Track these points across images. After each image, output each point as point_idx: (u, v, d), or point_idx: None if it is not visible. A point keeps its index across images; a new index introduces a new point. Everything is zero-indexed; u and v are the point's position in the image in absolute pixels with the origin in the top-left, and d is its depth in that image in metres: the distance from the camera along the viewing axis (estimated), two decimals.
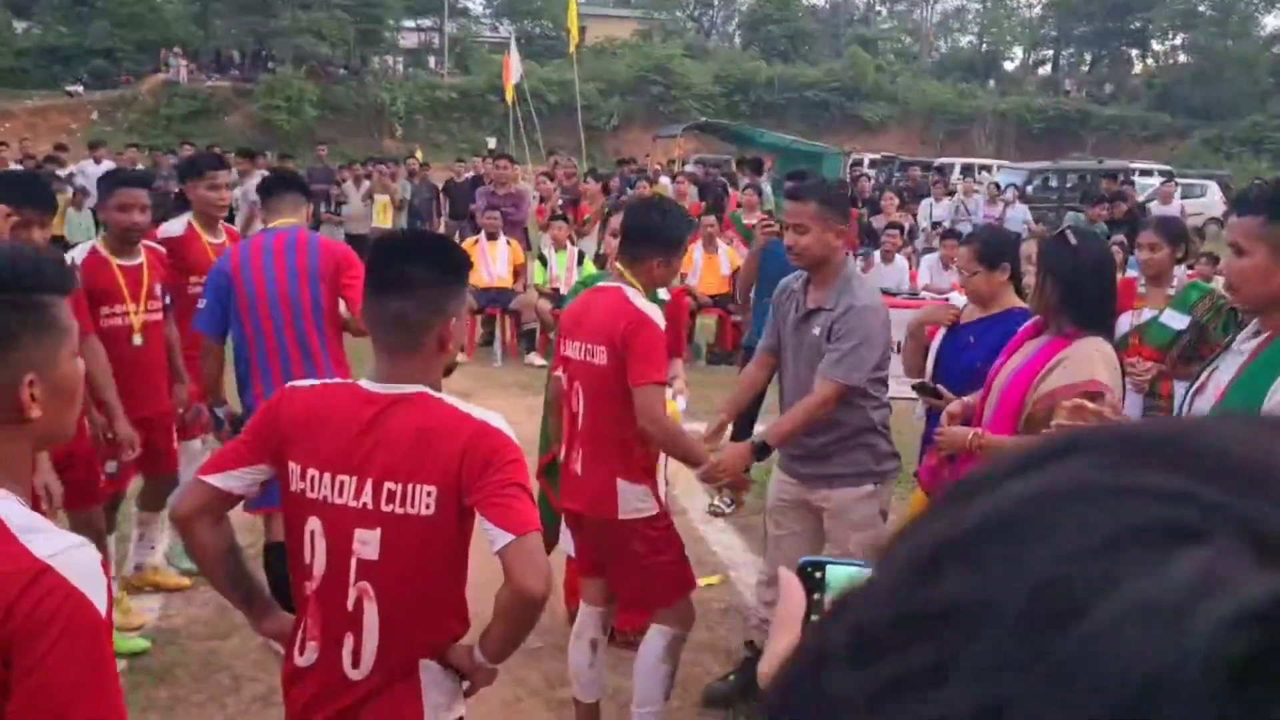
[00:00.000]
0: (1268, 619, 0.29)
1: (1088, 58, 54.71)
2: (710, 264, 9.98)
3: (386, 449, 2.01)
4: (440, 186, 15.04)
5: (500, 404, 8.56)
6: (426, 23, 47.24)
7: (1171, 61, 50.81)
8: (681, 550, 3.57)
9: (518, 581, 1.95)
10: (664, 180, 15.45)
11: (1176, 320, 4.60)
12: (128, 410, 4.05)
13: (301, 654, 2.11)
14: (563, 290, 10.10)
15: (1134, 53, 54.20)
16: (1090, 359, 2.97)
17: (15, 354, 1.41)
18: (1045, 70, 56.69)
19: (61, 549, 1.37)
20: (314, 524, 2.06)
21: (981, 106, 44.67)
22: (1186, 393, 2.71)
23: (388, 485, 2.00)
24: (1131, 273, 9.43)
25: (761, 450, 3.64)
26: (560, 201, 11.65)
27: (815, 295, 3.64)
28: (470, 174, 15.08)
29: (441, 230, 15.00)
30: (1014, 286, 4.07)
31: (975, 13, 59.75)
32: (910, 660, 0.31)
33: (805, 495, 3.79)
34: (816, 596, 0.75)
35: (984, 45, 56.57)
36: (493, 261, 9.86)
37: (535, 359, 9.69)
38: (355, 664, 2.06)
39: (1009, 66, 57.34)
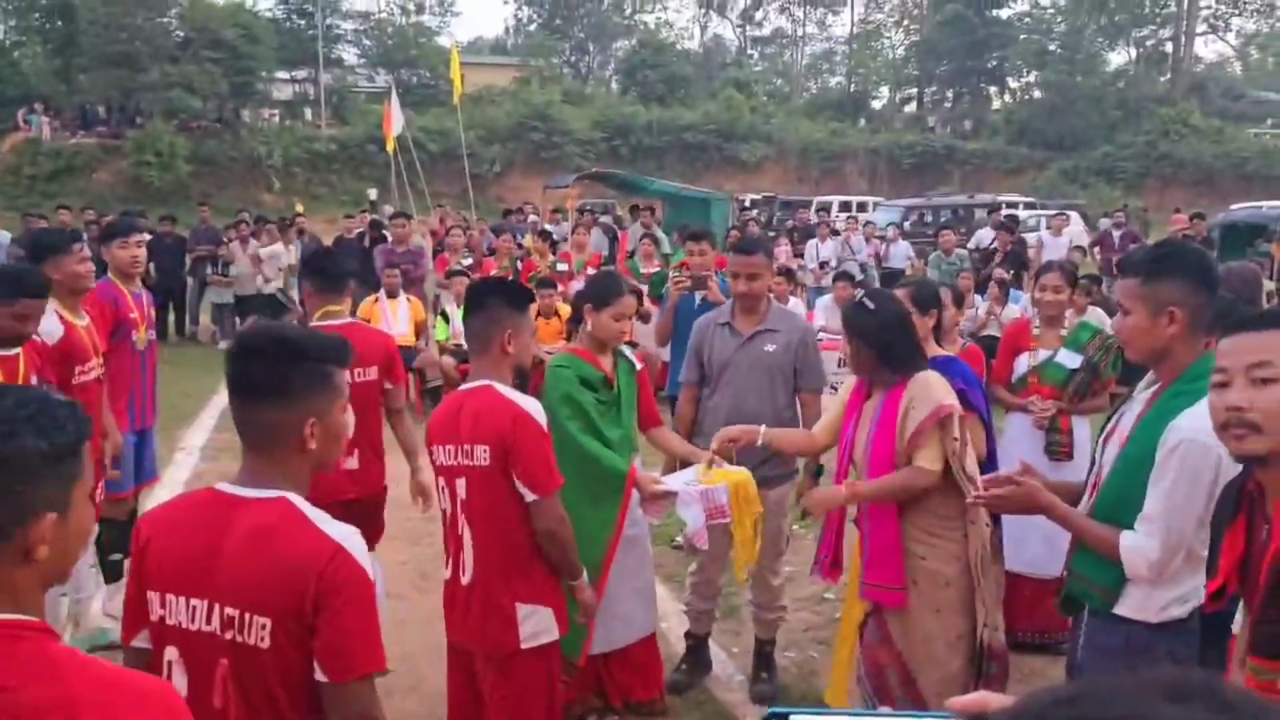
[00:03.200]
0: None
1: (950, 95, 57.11)
2: None
3: (464, 423, 3.02)
4: (330, 243, 14.81)
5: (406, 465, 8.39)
6: (301, 74, 46.59)
7: (1027, 97, 53.41)
8: None
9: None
10: (564, 227, 15.47)
11: (1071, 359, 4.88)
12: None
13: (447, 569, 3.18)
14: (466, 344, 10.08)
15: (992, 89, 56.83)
16: (927, 389, 3.36)
17: (304, 403, 1.98)
18: (911, 108, 58.97)
19: (348, 534, 1.92)
20: (441, 482, 3.13)
21: (853, 144, 46.20)
22: (1099, 438, 2.90)
23: (464, 446, 3.01)
24: (1014, 306, 9.93)
25: (820, 471, 4.39)
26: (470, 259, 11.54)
27: (750, 320, 4.30)
28: (360, 229, 14.89)
29: None
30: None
31: (842, 54, 61.94)
32: None
33: None
34: None
35: (852, 85, 58.55)
36: (394, 319, 9.78)
37: None
38: (463, 572, 3.07)
39: (877, 105, 59.47)
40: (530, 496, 2.97)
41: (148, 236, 5.57)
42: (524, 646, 3.04)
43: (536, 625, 3.05)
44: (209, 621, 1.89)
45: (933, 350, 4.15)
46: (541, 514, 3.00)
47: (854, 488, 3.39)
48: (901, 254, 16.16)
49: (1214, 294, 2.65)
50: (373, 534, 4.60)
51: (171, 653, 1.93)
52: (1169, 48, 52.87)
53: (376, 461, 4.52)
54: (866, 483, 3.39)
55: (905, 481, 3.35)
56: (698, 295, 5.83)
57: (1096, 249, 17.37)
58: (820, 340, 9.20)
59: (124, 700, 1.40)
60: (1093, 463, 2.89)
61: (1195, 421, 2.51)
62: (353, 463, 4.38)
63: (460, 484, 3.02)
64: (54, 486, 1.45)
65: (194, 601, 1.90)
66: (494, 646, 3.06)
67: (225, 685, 1.89)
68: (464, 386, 3.17)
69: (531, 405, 3.01)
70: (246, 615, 1.87)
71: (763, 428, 3.90)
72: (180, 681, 1.92)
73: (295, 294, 13.89)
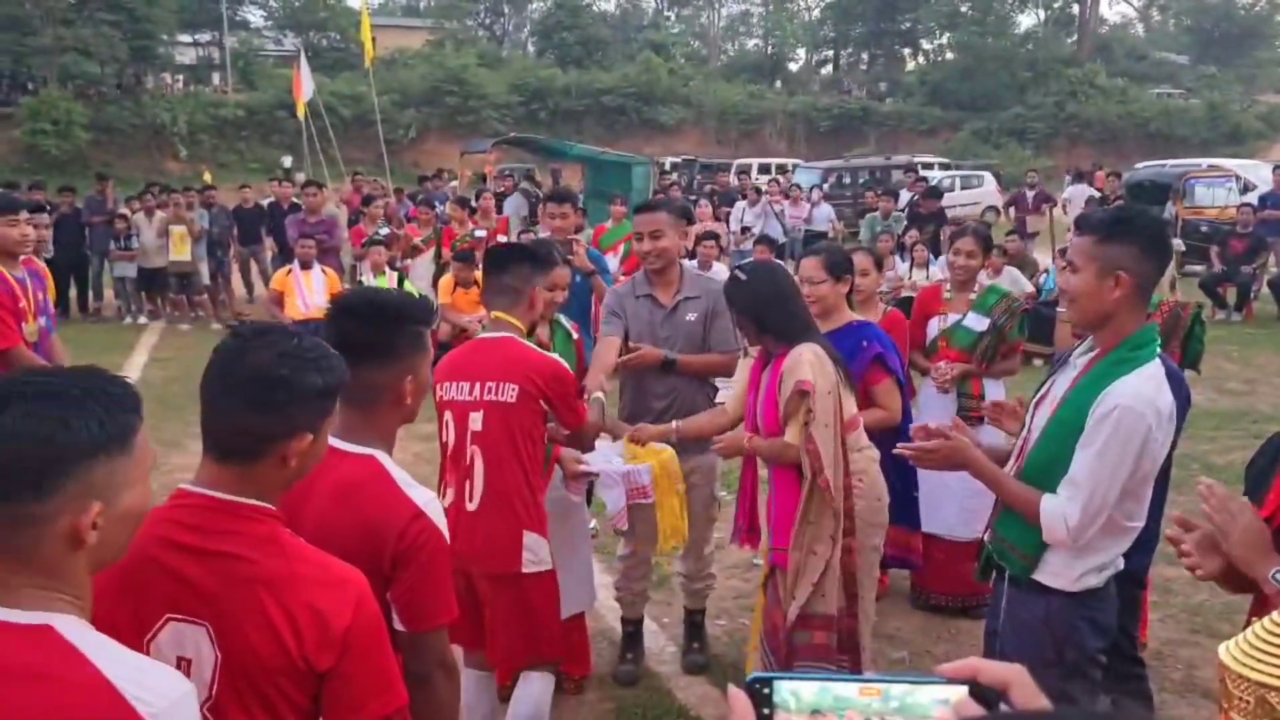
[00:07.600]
0: None
1: (865, 57, 57.48)
2: None
3: (490, 363, 3.27)
4: (230, 209, 14.21)
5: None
6: (205, 37, 45.06)
7: (940, 59, 54.03)
8: None
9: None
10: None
11: (978, 323, 4.88)
12: None
13: (443, 497, 3.26)
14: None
15: (906, 51, 57.36)
16: (798, 363, 3.41)
17: (403, 362, 2.16)
18: (827, 70, 59.26)
19: (429, 499, 2.09)
20: (448, 415, 3.32)
21: (771, 106, 46.28)
22: (1031, 402, 2.87)
23: (487, 383, 3.23)
24: (934, 269, 10.01)
25: (669, 364, 4.13)
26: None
27: (668, 289, 4.23)
28: (269, 200, 14.38)
29: (233, 256, 14.17)
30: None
31: (759, 16, 61.86)
32: None
33: None
34: (765, 711, 0.76)
35: (769, 48, 58.60)
36: (309, 291, 9.50)
37: None
38: (470, 499, 3.27)
39: (793, 67, 59.64)
40: (564, 431, 3.48)
41: (45, 215, 5.62)
42: (525, 570, 3.29)
43: (537, 554, 3.31)
44: None
45: (846, 316, 4.18)
46: (576, 439, 3.62)
47: (753, 441, 3.63)
48: (824, 216, 16.23)
49: (1163, 266, 2.62)
50: None
51: None
52: (1075, 9, 53.85)
53: None
54: (757, 439, 3.61)
55: (774, 451, 3.53)
56: None
57: (1011, 209, 17.66)
58: None
59: (331, 581, 1.73)
60: (1022, 426, 2.87)
61: (1133, 388, 2.49)
62: None
63: (476, 417, 3.24)
64: (316, 414, 1.76)
65: None
66: (499, 566, 3.28)
67: None
68: (486, 335, 3.38)
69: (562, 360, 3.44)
70: None
71: (675, 423, 3.96)
72: None
73: (204, 266, 13.47)
